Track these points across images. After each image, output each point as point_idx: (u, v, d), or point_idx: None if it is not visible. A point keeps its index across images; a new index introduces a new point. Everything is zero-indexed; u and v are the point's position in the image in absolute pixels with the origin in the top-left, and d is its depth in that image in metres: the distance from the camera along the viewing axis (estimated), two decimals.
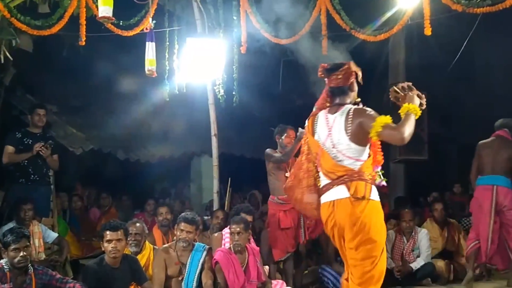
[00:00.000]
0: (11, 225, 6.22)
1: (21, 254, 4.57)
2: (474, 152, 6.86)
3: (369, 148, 4.11)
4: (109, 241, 4.95)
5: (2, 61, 6.66)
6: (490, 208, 6.48)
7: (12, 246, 4.56)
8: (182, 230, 5.52)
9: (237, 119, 9.99)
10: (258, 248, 6.06)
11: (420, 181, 10.94)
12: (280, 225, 6.39)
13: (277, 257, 6.47)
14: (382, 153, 4.17)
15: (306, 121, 4.37)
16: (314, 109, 4.36)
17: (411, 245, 6.92)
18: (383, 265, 4.05)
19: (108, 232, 4.98)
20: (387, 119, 3.87)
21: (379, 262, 4.00)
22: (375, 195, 4.06)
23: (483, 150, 6.71)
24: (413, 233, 6.97)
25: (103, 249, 5.06)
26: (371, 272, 3.97)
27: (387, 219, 7.93)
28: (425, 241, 6.92)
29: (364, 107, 4.15)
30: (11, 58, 6.84)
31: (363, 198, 3.97)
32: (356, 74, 4.19)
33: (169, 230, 6.83)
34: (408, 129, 3.86)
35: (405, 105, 3.98)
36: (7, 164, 6.90)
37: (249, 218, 6.06)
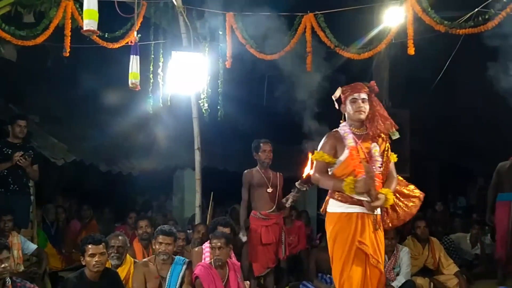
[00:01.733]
0: None
1: (2, 265, 4.52)
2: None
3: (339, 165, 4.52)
4: (92, 255, 4.85)
5: None
6: (507, 221, 7.36)
7: None
8: (160, 243, 5.49)
9: (220, 132, 9.98)
10: (239, 263, 6.04)
11: None
12: (262, 240, 6.38)
13: (257, 272, 6.44)
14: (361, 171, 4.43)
15: None
16: None
17: (392, 263, 6.90)
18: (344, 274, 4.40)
19: (90, 246, 4.87)
20: (319, 155, 4.50)
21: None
22: (332, 207, 4.52)
23: (502, 170, 7.62)
24: (394, 251, 6.98)
25: (83, 263, 4.99)
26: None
27: None
28: (406, 259, 6.92)
29: (326, 135, 4.62)
30: None
31: (324, 211, 4.61)
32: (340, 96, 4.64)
33: (149, 244, 6.78)
34: (319, 179, 4.51)
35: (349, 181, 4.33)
36: None
37: (227, 230, 6.04)
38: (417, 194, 4.70)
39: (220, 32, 7.15)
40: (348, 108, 4.57)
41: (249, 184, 6.49)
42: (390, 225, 4.63)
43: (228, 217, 7.08)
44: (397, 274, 6.88)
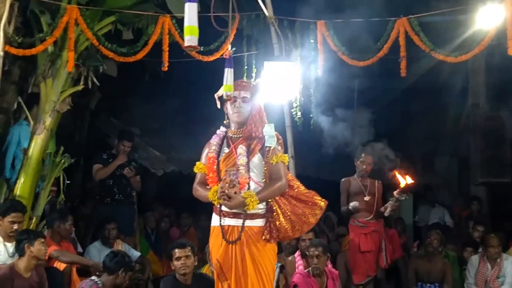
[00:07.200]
0: (97, 244, 6.49)
1: (129, 273, 5.05)
2: None
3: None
4: (178, 258, 5.13)
5: (90, 86, 6.99)
6: None
7: (125, 268, 5.01)
8: None
9: (313, 140, 9.98)
10: (337, 272, 6.02)
11: (504, 204, 10.55)
12: (361, 248, 6.33)
13: (356, 280, 6.41)
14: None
15: None
16: None
17: (496, 272, 6.66)
18: None
19: (176, 250, 5.17)
20: (196, 166, 4.17)
21: None
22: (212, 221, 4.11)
23: None
24: (498, 260, 6.72)
25: (172, 267, 5.25)
26: None
27: (463, 246, 7.73)
28: (510, 268, 6.66)
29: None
30: (98, 83, 7.16)
31: None
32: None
33: None
34: (195, 190, 4.17)
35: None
36: (99, 180, 7.12)
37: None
38: (318, 202, 4.07)
39: (312, 40, 7.17)
40: (228, 109, 4.20)
41: (347, 192, 6.49)
42: (280, 237, 3.95)
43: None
44: (502, 284, 6.64)
